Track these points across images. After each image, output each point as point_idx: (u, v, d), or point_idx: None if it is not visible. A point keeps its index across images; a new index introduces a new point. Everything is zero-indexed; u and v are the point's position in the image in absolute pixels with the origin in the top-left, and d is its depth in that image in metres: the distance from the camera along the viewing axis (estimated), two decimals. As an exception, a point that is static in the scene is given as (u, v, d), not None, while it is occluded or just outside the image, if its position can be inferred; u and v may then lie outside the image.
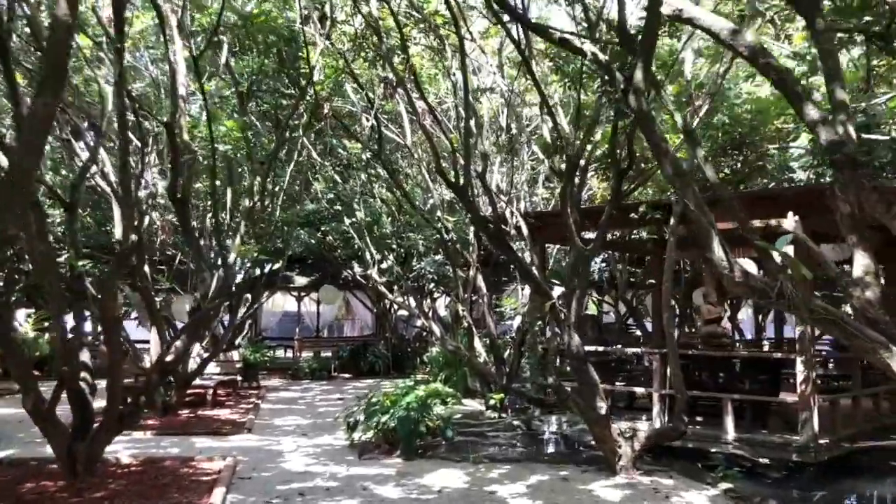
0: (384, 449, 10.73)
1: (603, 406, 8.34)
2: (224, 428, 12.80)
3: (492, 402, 13.80)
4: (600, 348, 12.53)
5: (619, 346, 13.92)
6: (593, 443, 10.77)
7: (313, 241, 21.49)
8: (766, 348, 18.80)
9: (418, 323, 25.10)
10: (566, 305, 8.32)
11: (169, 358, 8.34)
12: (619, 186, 8.10)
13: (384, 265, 14.42)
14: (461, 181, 8.18)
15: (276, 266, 17.70)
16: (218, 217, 8.88)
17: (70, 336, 7.78)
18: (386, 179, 19.48)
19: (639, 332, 25.18)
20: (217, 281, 8.76)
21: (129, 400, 8.50)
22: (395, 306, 24.89)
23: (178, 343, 8.45)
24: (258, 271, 21.99)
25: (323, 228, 20.48)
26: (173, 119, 8.40)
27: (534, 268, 10.41)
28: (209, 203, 13.85)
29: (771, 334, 20.66)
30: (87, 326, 21.81)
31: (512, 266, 25.90)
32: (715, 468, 9.35)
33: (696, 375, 12.04)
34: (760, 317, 23.11)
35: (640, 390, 11.80)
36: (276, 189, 12.87)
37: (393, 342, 24.11)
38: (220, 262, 9.15)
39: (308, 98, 11.33)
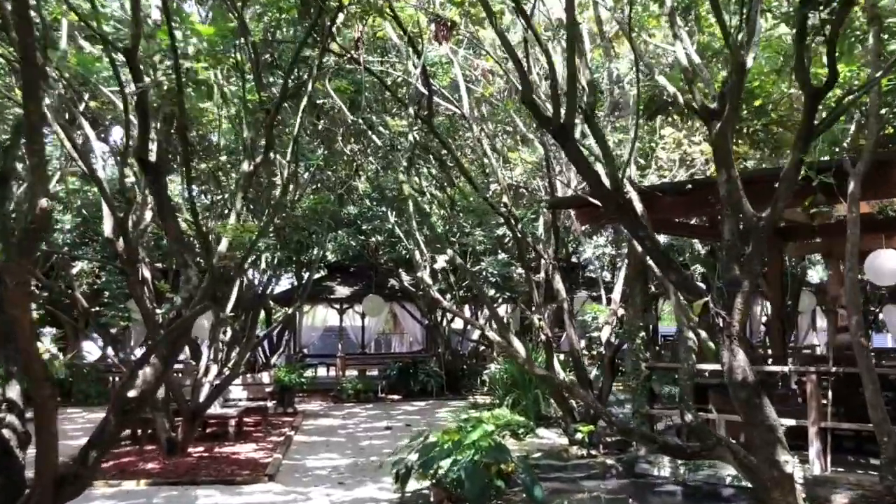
0: (447, 509, 7.87)
1: (787, 461, 5.39)
2: (241, 473, 10.07)
3: (578, 435, 10.84)
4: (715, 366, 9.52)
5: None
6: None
7: (354, 244, 18.76)
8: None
9: (475, 336, 22.22)
10: (726, 308, 5.39)
11: (133, 392, 5.61)
12: (811, 114, 5.15)
13: (438, 264, 11.81)
14: (560, 116, 5.33)
15: (313, 275, 14.97)
16: (190, 179, 6.16)
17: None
18: (435, 169, 16.74)
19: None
20: (205, 279, 6.06)
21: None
22: (448, 318, 22.06)
23: (147, 369, 5.72)
24: (295, 282, 19.45)
25: (364, 228, 17.73)
26: (135, 46, 5.74)
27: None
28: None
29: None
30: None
31: (585, 269, 22.88)
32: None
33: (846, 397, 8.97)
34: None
35: (787, 422, 8.69)
36: (294, 158, 10.08)
37: (447, 358, 21.25)
38: (203, 248, 6.41)
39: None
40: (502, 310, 22.17)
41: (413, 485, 8.75)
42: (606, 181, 5.87)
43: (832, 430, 8.44)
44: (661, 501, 8.38)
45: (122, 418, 5.66)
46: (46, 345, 21.40)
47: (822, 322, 27.52)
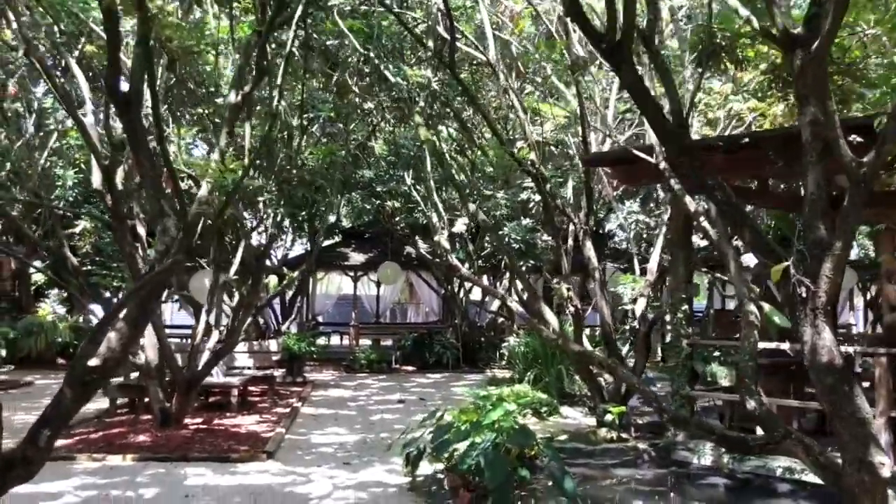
0: (463, 499, 6.94)
1: (883, 462, 4.41)
2: (238, 449, 9.22)
3: (608, 416, 9.89)
4: (770, 344, 8.49)
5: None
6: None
7: (369, 208, 17.76)
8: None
9: (493, 308, 21.28)
10: (810, 275, 4.38)
11: (94, 361, 4.70)
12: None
13: (457, 228, 10.84)
14: (616, 31, 4.27)
15: (322, 236, 13.96)
16: (157, 105, 5.15)
17: None
18: (455, 129, 15.66)
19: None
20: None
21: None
22: (466, 288, 21.11)
23: (112, 334, 4.81)
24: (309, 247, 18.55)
25: (380, 190, 16.70)
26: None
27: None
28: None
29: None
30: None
31: (611, 238, 21.68)
32: None
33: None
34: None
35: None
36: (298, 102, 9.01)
37: (464, 330, 20.34)
38: (173, 192, 5.39)
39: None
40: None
41: (425, 468, 7.88)
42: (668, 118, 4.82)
43: (902, 421, 7.43)
44: (703, 495, 7.42)
45: (81, 391, 4.76)
46: (51, 306, 20.80)
47: (858, 300, 26.34)
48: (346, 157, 13.13)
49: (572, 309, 9.84)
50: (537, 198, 13.66)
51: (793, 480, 7.61)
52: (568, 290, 9.85)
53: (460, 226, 11.05)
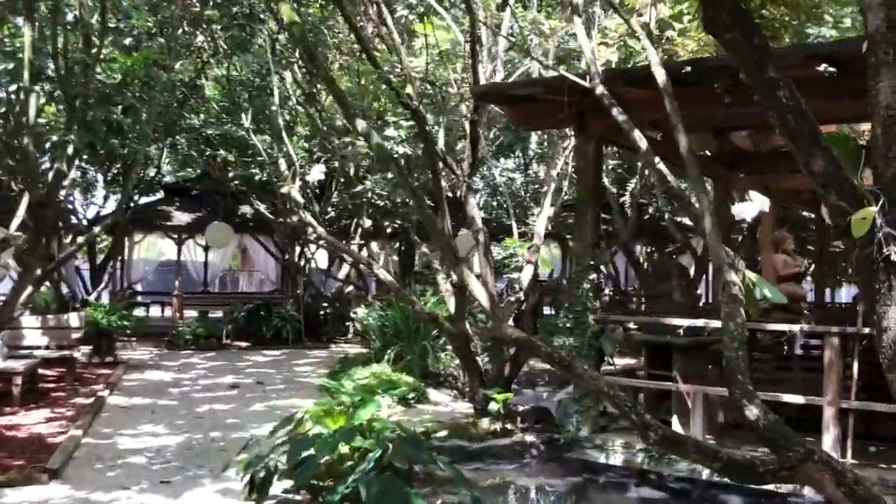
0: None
1: None
2: (8, 466, 6.74)
3: (493, 405, 8.28)
4: (702, 322, 7.17)
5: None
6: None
7: (196, 156, 15.09)
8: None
9: (341, 275, 19.25)
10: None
11: None
12: None
13: (313, 175, 8.82)
14: None
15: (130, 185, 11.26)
16: None
17: None
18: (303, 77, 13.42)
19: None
20: None
21: None
22: (310, 253, 18.92)
23: None
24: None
25: (210, 134, 14.09)
26: None
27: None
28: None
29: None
30: None
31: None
32: None
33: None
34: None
35: (795, 400, 6.41)
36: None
37: (306, 301, 18.17)
38: None
39: None
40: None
41: (276, 486, 5.87)
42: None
43: (857, 412, 6.29)
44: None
45: None
46: None
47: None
48: (171, 96, 10.65)
49: (455, 278, 8.11)
50: (400, 150, 11.76)
51: (722, 485, 6.33)
52: (453, 255, 8.08)
53: (317, 173, 9.03)
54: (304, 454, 5.15)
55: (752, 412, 3.92)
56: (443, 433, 8.05)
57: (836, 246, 21.25)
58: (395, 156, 9.81)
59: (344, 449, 5.63)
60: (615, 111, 5.23)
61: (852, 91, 6.22)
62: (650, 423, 3.60)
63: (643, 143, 5.04)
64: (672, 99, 4.74)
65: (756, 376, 7.07)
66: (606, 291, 20.02)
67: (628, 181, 14.58)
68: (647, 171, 13.83)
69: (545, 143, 14.58)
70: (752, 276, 4.57)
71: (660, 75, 4.89)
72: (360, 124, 5.05)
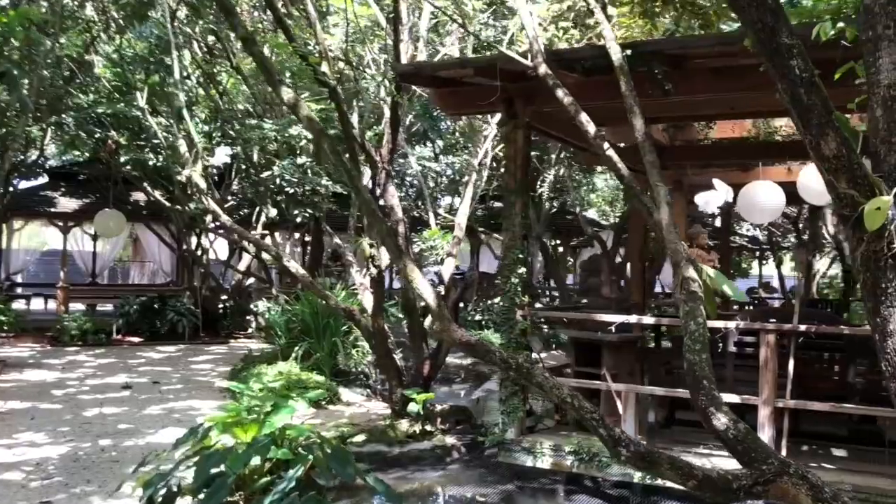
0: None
1: None
2: None
3: (413, 406, 7.82)
4: (630, 318, 6.90)
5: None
6: None
7: (86, 138, 13.89)
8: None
9: (241, 267, 18.31)
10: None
11: None
12: None
13: (217, 158, 8.06)
14: None
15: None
16: None
17: None
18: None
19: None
20: None
21: None
22: (208, 242, 17.92)
23: None
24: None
25: (101, 114, 12.96)
26: None
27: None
28: None
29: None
30: None
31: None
32: None
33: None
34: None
35: (731, 399, 6.23)
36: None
37: (205, 293, 17.19)
38: None
39: None
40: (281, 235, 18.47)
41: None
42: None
43: (793, 412, 6.16)
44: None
45: None
46: None
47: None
48: (56, 70, 9.57)
49: (374, 271, 7.58)
50: (310, 135, 11.08)
51: (654, 488, 6.08)
52: (371, 246, 7.55)
53: (222, 156, 8.27)
54: (214, 471, 4.54)
55: (721, 421, 3.60)
56: (360, 437, 7.55)
57: (732, 241, 21.81)
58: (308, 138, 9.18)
59: (255, 461, 5.06)
60: (560, 92, 4.83)
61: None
62: (621, 437, 3.21)
63: (591, 128, 4.66)
64: (629, 79, 4.38)
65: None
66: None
67: (543, 173, 14.40)
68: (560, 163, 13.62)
69: (456, 132, 14.20)
70: (710, 272, 4.28)
71: (615, 53, 4.52)
72: (287, 94, 4.48)
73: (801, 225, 17.83)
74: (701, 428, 7.27)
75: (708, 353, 3.87)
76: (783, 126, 10.17)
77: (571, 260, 23.13)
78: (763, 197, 9.66)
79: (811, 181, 9.11)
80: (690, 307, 3.98)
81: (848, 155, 2.61)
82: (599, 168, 16.68)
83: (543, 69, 5.01)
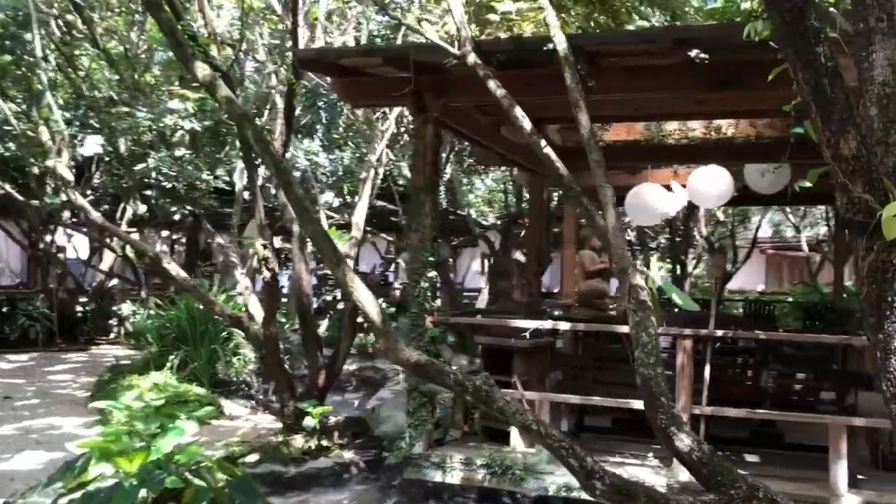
0: None
1: None
2: None
3: (309, 420, 7.25)
4: (546, 324, 6.62)
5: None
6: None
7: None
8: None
9: (104, 266, 16.90)
10: None
11: None
12: None
13: (88, 149, 7.16)
14: None
15: None
16: None
17: None
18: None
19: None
20: None
21: None
22: (66, 239, 16.44)
23: None
24: None
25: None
26: None
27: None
28: None
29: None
30: None
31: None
32: None
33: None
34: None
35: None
36: None
37: (61, 295, 15.74)
38: None
39: None
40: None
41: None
42: None
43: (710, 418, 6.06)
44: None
45: None
46: None
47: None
48: None
49: (268, 274, 6.93)
50: (187, 125, 10.20)
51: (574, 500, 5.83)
52: (265, 247, 6.90)
53: (93, 146, 7.35)
54: (98, 513, 3.87)
55: (683, 442, 3.34)
56: (252, 457, 6.89)
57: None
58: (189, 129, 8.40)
59: (142, 493, 4.40)
60: (492, 84, 4.45)
61: (716, 82, 6.05)
62: (594, 469, 2.86)
63: (527, 123, 4.31)
64: (575, 71, 4.06)
65: (605, 381, 6.79)
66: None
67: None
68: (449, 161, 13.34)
69: (341, 127, 13.61)
70: (656, 278, 4.03)
71: (560, 42, 4.19)
72: (202, 71, 3.87)
73: (676, 224, 18.39)
74: (610, 434, 7.19)
75: (662, 366, 3.61)
76: (675, 130, 10.29)
77: (452, 260, 22.97)
78: (651, 199, 9.73)
79: (701, 184, 9.25)
80: (640, 317, 3.69)
81: (867, 156, 2.36)
82: (482, 168, 16.56)
83: (473, 58, 4.61)
